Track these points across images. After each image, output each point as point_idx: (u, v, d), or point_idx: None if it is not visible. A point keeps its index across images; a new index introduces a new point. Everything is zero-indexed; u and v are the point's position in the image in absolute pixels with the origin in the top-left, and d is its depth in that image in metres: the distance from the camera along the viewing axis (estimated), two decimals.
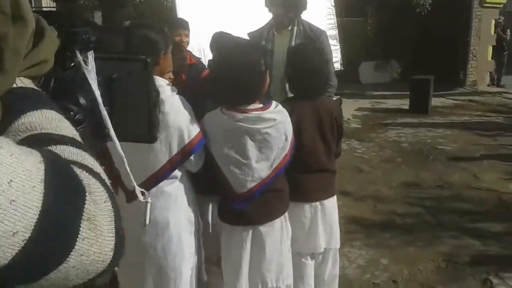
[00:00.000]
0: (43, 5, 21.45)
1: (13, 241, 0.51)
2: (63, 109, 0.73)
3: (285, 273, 2.50)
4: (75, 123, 0.73)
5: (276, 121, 2.34)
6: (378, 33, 13.45)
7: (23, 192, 0.52)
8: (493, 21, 13.76)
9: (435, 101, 10.48)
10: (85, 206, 0.57)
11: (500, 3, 13.89)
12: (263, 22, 3.77)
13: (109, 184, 0.63)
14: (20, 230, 0.51)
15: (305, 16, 3.79)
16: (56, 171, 0.56)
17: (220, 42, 3.07)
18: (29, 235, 0.52)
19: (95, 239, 0.58)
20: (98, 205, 0.59)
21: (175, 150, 2.26)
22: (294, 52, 2.80)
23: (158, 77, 2.21)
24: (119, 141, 0.92)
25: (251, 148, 2.32)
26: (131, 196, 2.30)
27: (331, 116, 2.71)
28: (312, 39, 3.44)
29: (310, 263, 2.76)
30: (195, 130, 2.28)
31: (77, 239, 0.56)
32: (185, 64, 3.45)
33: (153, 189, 2.27)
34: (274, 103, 2.41)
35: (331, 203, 2.77)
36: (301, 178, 2.62)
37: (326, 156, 2.72)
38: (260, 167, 2.35)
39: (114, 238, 0.61)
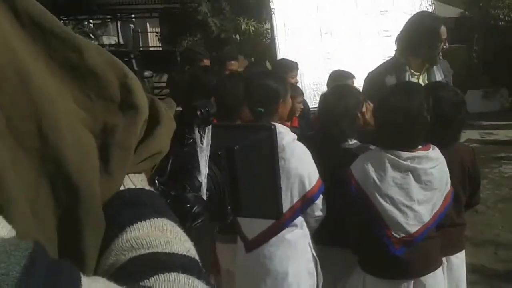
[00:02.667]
0: (150, 45, 23.00)
1: None
2: (179, 200, 0.61)
3: None
4: (192, 218, 0.62)
5: (439, 161, 2.21)
6: (485, 60, 12.67)
7: None
8: None
9: None
10: None
11: None
12: (361, 60, 3.59)
13: None
14: None
15: None
16: None
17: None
18: None
19: None
20: None
21: (296, 198, 2.21)
22: (432, 93, 2.40)
23: (278, 124, 2.18)
24: (244, 216, 0.82)
25: (415, 189, 2.17)
26: (250, 246, 2.29)
27: (463, 166, 2.44)
28: (445, 74, 3.07)
29: None
30: (315, 176, 2.22)
31: None
32: (299, 107, 3.46)
33: (273, 238, 2.22)
34: (431, 145, 2.26)
35: (459, 259, 2.49)
36: None
37: (455, 210, 2.43)
38: (422, 210, 2.19)
39: None
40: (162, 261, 0.50)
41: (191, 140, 0.68)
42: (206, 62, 4.32)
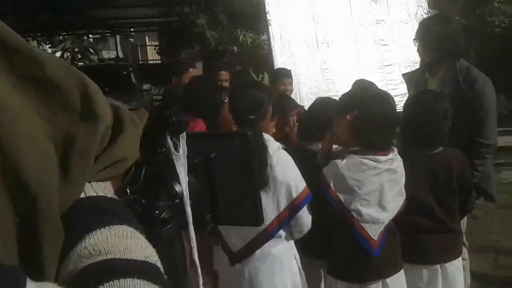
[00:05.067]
0: (149, 58, 23.13)
1: None
2: (149, 208, 0.62)
3: None
4: (161, 224, 0.62)
5: (399, 159, 2.32)
6: (482, 67, 12.71)
7: None
8: None
9: None
10: None
11: None
12: (358, 69, 3.61)
13: None
14: None
15: None
16: None
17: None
18: None
19: None
20: None
21: (283, 206, 2.19)
22: (412, 98, 2.65)
23: (264, 132, 2.23)
24: (224, 224, 0.82)
25: (386, 189, 2.25)
26: (234, 258, 2.26)
27: (450, 171, 2.44)
28: (460, 86, 2.94)
29: None
30: (302, 184, 2.21)
31: None
32: (293, 120, 3.27)
33: (258, 252, 2.20)
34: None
35: (454, 266, 2.47)
36: (418, 238, 2.39)
37: (446, 215, 2.44)
38: (391, 207, 2.27)
39: None
40: (118, 267, 0.50)
41: (165, 149, 0.69)
42: (192, 72, 4.34)
